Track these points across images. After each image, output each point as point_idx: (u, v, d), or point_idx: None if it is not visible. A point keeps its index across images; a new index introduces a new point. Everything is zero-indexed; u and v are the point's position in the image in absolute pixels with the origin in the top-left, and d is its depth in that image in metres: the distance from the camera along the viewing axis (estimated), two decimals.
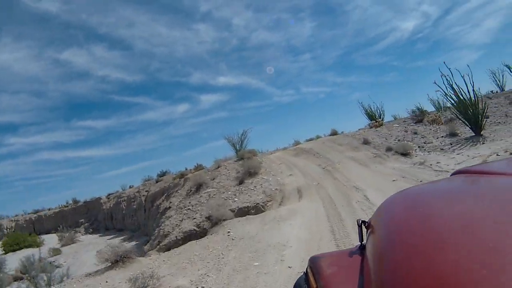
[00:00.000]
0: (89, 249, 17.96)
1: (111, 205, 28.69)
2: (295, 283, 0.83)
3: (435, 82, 11.50)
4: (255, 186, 11.19)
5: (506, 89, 18.40)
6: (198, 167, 17.37)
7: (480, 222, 0.52)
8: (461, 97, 10.91)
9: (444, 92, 11.34)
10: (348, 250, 0.81)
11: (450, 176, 0.88)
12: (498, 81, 18.58)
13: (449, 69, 10.59)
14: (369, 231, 0.78)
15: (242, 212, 9.82)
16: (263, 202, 9.98)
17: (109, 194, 32.12)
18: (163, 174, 25.59)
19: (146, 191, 22.35)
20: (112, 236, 22.94)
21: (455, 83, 10.78)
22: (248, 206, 9.91)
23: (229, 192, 11.33)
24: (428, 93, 21.96)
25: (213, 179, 13.32)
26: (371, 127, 17.34)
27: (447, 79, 10.85)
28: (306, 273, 0.81)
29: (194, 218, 10.54)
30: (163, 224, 11.71)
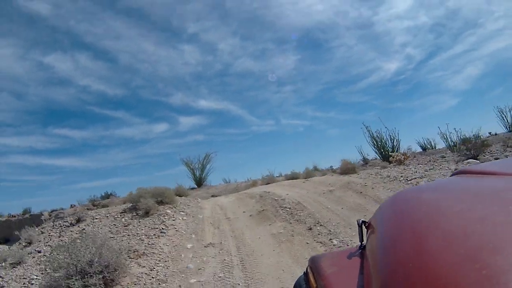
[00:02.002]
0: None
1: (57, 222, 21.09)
2: (295, 283, 0.76)
3: None
4: None
5: None
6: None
7: (480, 222, 0.47)
8: None
9: None
10: (348, 250, 0.74)
11: (450, 176, 0.82)
12: (506, 121, 15.61)
13: None
14: (369, 231, 0.72)
15: None
16: None
17: (52, 210, 23.83)
18: (107, 196, 18.79)
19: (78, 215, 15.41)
20: None
21: None
22: None
23: None
24: (439, 127, 15.93)
25: (16, 264, 4.13)
26: (390, 163, 9.42)
27: None
28: (306, 273, 0.74)
29: None
30: None
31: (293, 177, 11.40)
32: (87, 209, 7.45)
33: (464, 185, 0.69)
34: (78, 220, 5.81)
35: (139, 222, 5.19)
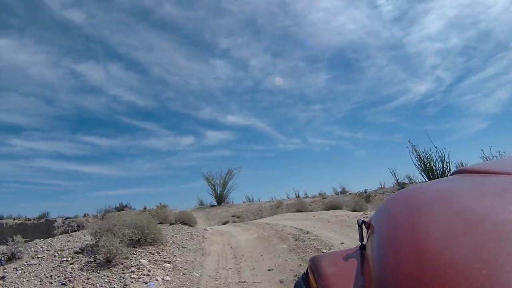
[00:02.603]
0: None
1: (61, 231, 20.34)
2: (296, 283, 0.75)
3: None
4: None
5: None
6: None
7: (480, 221, 0.47)
8: None
9: None
10: (348, 250, 0.73)
11: (450, 175, 0.79)
12: None
13: None
14: (369, 231, 0.70)
15: None
16: None
17: (66, 218, 23.05)
18: (121, 208, 18.12)
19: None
20: None
21: None
22: None
23: None
24: (482, 149, 13.25)
25: None
26: None
27: None
28: (306, 273, 0.74)
29: None
30: None
31: (334, 205, 8.79)
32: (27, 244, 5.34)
33: (464, 184, 0.68)
34: (11, 258, 3.67)
35: (87, 280, 2.94)
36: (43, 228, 24.30)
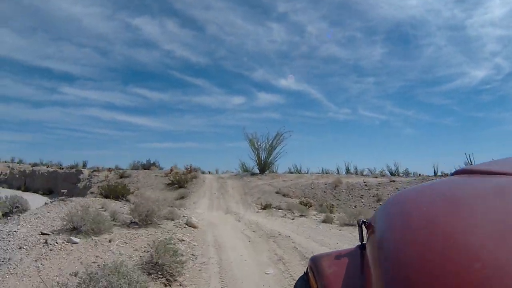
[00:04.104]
0: None
1: (85, 184, 18.89)
2: (296, 283, 0.75)
3: None
4: None
5: None
6: None
7: (481, 222, 0.48)
8: None
9: None
10: (348, 250, 0.74)
11: (450, 175, 0.80)
12: None
13: None
14: (369, 231, 0.70)
15: None
16: None
17: (93, 171, 21.69)
18: (148, 166, 17.74)
19: (99, 185, 13.52)
20: None
21: None
22: None
23: None
24: None
25: None
26: None
27: None
28: (306, 273, 0.75)
29: None
30: None
31: None
32: None
33: (464, 185, 0.68)
34: None
35: None
36: (73, 178, 22.56)
